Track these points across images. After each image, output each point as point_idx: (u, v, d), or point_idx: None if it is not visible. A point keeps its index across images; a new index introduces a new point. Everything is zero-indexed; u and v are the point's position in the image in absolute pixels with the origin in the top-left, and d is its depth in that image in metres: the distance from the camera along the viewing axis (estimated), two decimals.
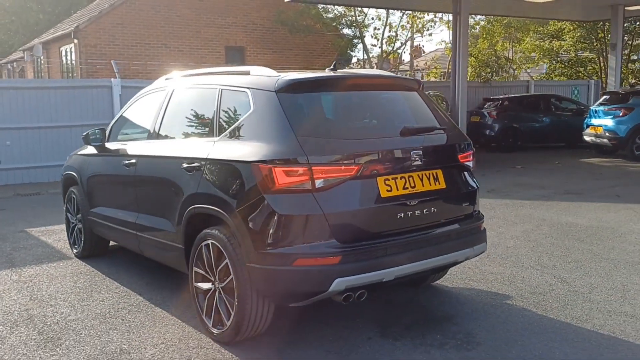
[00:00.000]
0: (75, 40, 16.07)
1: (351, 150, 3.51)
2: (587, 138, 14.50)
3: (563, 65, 22.29)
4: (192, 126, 4.45)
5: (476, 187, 4.22)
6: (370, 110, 4.09)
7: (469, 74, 20.07)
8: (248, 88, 3.86)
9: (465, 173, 4.14)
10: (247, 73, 4.07)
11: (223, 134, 3.91)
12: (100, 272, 5.49)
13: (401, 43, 20.44)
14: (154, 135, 4.70)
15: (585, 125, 14.54)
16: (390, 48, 19.78)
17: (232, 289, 3.64)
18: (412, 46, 27.71)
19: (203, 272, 3.90)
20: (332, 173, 3.42)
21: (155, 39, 16.65)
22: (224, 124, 3.97)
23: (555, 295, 4.66)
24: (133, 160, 4.77)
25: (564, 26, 21.68)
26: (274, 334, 3.91)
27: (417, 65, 28.80)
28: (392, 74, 4.51)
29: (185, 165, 4.05)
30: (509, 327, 4.06)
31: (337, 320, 4.18)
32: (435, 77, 20.73)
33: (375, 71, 4.52)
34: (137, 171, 4.71)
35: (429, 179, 3.82)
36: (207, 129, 4.15)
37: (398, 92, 4.25)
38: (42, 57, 19.23)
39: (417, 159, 3.72)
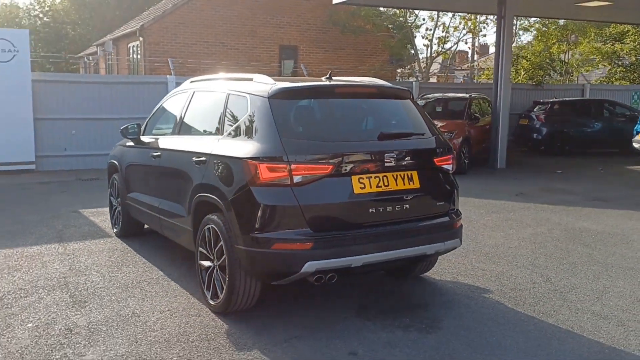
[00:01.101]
0: (141, 38, 17.23)
1: (328, 151, 4.03)
2: (635, 145, 14.19)
3: (624, 69, 21.66)
4: (204, 125, 5.07)
5: (453, 189, 4.64)
6: (353, 116, 4.57)
7: (521, 76, 19.92)
8: (248, 93, 4.43)
9: (442, 175, 4.56)
10: (250, 80, 4.65)
11: (226, 133, 4.51)
12: (132, 249, 6.24)
13: (453, 43, 20.54)
14: (176, 131, 5.38)
15: (635, 132, 14.26)
16: (441, 48, 19.95)
17: (224, 267, 4.23)
18: (474, 44, 27.56)
19: (205, 252, 4.51)
20: (309, 171, 3.94)
21: (214, 37, 17.58)
22: (227, 124, 4.56)
23: (533, 292, 4.99)
24: (158, 153, 5.46)
25: (627, 29, 21.08)
26: (263, 308, 4.48)
27: (477, 64, 28.66)
28: (381, 83, 4.93)
29: (194, 159, 4.68)
30: (475, 316, 4.45)
31: (324, 302, 4.71)
32: (488, 79, 20.68)
33: (367, 80, 4.97)
34: (160, 162, 5.40)
35: (403, 179, 4.27)
36: (215, 128, 4.76)
37: (385, 99, 4.72)
38: (112, 53, 20.61)
39: (391, 160, 4.19)
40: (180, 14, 17.20)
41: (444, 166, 4.56)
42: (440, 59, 22.99)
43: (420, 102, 13.87)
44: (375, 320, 4.33)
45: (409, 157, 4.34)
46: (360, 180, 4.09)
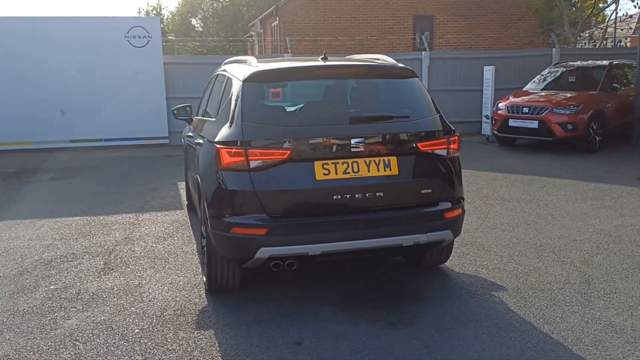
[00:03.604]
0: (277, 18, 17.90)
1: (287, 136, 3.92)
2: None
3: None
4: (211, 108, 5.21)
5: (449, 175, 4.24)
6: (332, 99, 4.37)
7: None
8: (234, 77, 4.48)
9: (432, 161, 4.19)
10: (244, 62, 4.68)
11: (217, 116, 4.62)
12: (191, 223, 6.69)
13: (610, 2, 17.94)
14: (201, 113, 5.62)
15: None
16: (597, 11, 17.56)
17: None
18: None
19: (203, 232, 4.72)
20: (266, 156, 3.89)
21: (346, 12, 17.60)
22: (220, 107, 4.67)
23: (554, 295, 4.40)
24: (191, 134, 5.76)
25: None
26: (250, 289, 4.57)
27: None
28: (379, 62, 4.59)
29: (198, 140, 4.88)
30: (461, 316, 4.07)
31: (313, 287, 4.64)
32: None
33: (371, 58, 4.67)
34: (189, 142, 5.70)
35: (378, 165, 4.01)
36: (215, 111, 4.89)
37: (377, 79, 4.43)
38: (260, 33, 21.73)
39: (359, 146, 3.95)
40: None
41: (435, 151, 4.18)
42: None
43: (552, 72, 12.56)
44: (349, 311, 4.19)
45: (386, 142, 4.06)
46: (325, 166, 3.93)
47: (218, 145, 4.03)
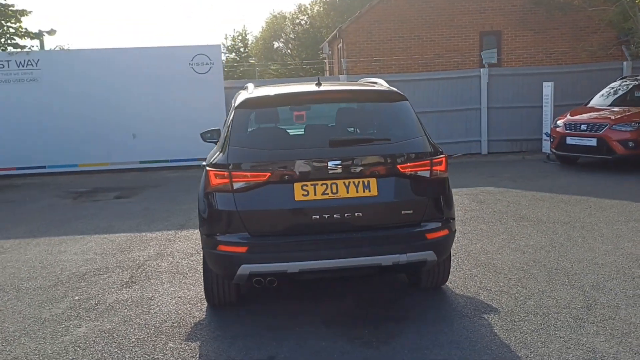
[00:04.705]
0: (341, 40, 18.25)
1: (268, 159, 4.14)
2: None
3: None
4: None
5: (434, 196, 4.27)
6: (318, 123, 4.53)
7: None
8: (233, 103, 4.77)
9: (415, 182, 4.24)
10: (245, 89, 4.95)
11: (220, 140, 4.92)
12: None
13: None
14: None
15: None
16: None
17: None
18: None
19: None
20: (247, 178, 4.13)
21: (409, 31, 17.63)
22: (222, 132, 4.96)
23: (548, 318, 4.29)
24: None
25: None
26: (245, 304, 4.79)
27: None
28: (370, 87, 4.69)
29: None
30: (441, 337, 4.06)
31: (303, 304, 4.78)
32: None
33: (363, 83, 4.79)
34: None
35: (357, 186, 4.13)
36: (221, 136, 5.18)
37: (363, 103, 4.56)
38: (329, 54, 22.19)
39: (337, 168, 4.09)
40: (375, 12, 17.68)
41: (418, 172, 4.24)
42: None
43: (619, 86, 11.96)
44: (333, 328, 4.30)
45: (365, 164, 4.17)
46: (304, 188, 4.11)
47: (208, 168, 4.32)
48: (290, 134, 4.56)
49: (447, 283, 5.09)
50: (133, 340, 4.28)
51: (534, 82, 13.32)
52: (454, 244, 5.50)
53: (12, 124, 13.29)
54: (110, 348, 4.15)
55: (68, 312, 4.90)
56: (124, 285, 5.52)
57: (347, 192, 4.12)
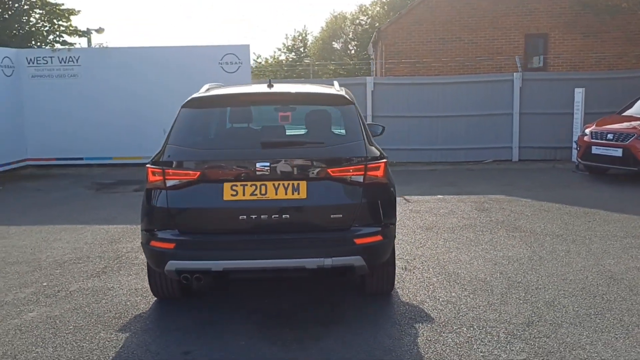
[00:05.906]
0: (380, 41, 18.10)
1: (199, 158, 4.21)
2: None
3: None
4: None
5: (367, 201, 4.20)
6: (257, 124, 4.54)
7: None
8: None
9: (343, 186, 4.19)
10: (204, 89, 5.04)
11: None
12: None
13: None
14: None
15: None
16: None
17: None
18: None
19: None
20: (179, 176, 4.21)
21: (450, 33, 17.25)
22: None
23: (468, 333, 4.13)
24: None
25: None
26: (193, 299, 4.89)
27: None
28: (313, 90, 4.67)
29: None
30: (359, 342, 4.01)
31: (247, 302, 4.82)
32: None
33: (308, 86, 4.76)
34: None
35: (286, 188, 4.13)
36: None
37: (308, 106, 4.55)
38: (372, 55, 22.05)
39: (265, 169, 4.10)
40: (415, 14, 17.42)
41: (351, 177, 4.18)
42: None
43: None
44: (262, 328, 4.32)
45: (296, 167, 4.16)
46: (233, 188, 4.15)
47: (147, 165, 4.43)
48: (231, 134, 4.61)
49: (398, 290, 5.00)
50: (71, 327, 4.45)
51: (568, 88, 12.74)
52: (430, 250, 5.33)
53: (54, 116, 13.99)
54: (47, 334, 4.34)
55: (30, 296, 5.15)
56: (94, 275, 5.74)
57: (276, 194, 4.13)
